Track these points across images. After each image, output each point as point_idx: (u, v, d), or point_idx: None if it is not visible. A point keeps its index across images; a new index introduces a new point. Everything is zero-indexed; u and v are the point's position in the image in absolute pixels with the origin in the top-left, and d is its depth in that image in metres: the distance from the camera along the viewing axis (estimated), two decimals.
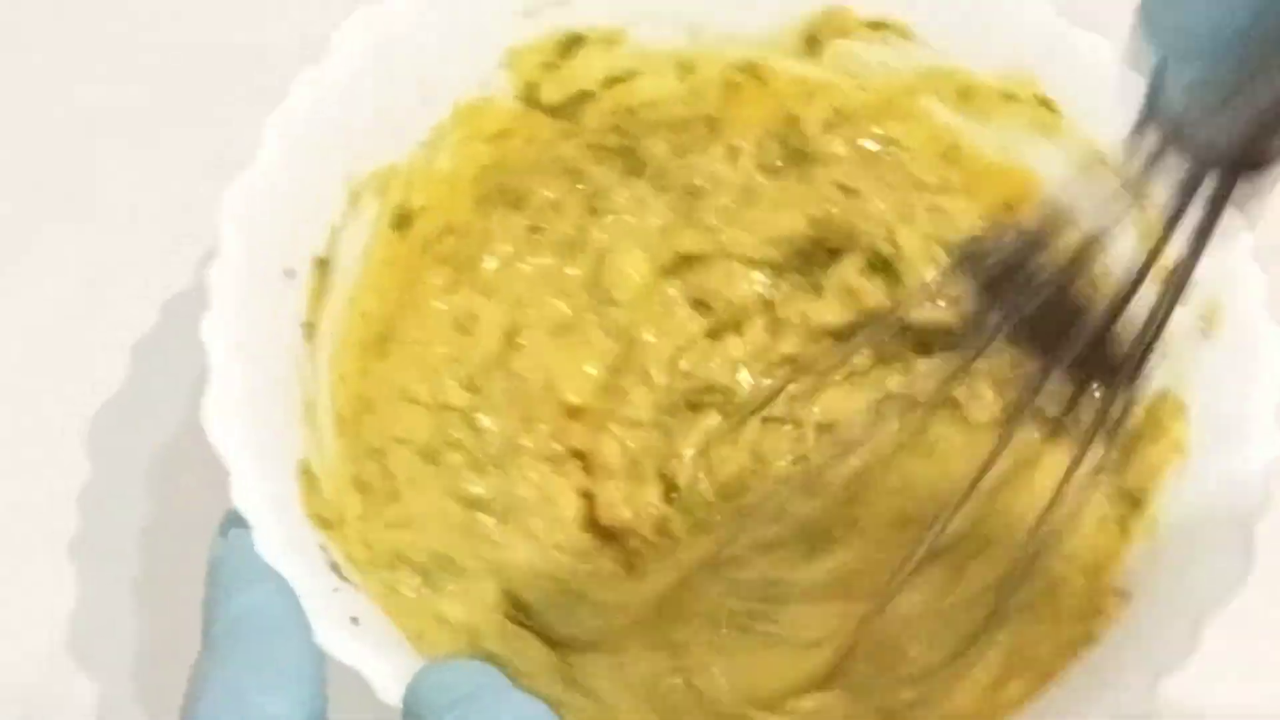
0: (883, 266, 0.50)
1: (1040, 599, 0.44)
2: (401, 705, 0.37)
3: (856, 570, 0.46)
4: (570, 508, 0.48)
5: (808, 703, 0.44)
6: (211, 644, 0.36)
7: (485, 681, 0.37)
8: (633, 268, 0.50)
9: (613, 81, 0.50)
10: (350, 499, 0.44)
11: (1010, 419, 0.44)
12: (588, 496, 0.48)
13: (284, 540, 0.38)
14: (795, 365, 0.49)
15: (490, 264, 0.50)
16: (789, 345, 0.50)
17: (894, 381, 0.49)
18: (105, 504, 0.50)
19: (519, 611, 0.45)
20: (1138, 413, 0.44)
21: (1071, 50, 0.47)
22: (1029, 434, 0.45)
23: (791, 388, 0.49)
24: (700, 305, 0.50)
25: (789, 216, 0.50)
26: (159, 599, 0.48)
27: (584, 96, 0.50)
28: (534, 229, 0.50)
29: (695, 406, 0.49)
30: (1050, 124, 0.48)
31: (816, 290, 0.50)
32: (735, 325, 0.50)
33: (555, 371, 0.49)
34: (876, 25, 0.49)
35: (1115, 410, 0.42)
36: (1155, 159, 0.35)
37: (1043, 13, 0.48)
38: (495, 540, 0.46)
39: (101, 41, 0.58)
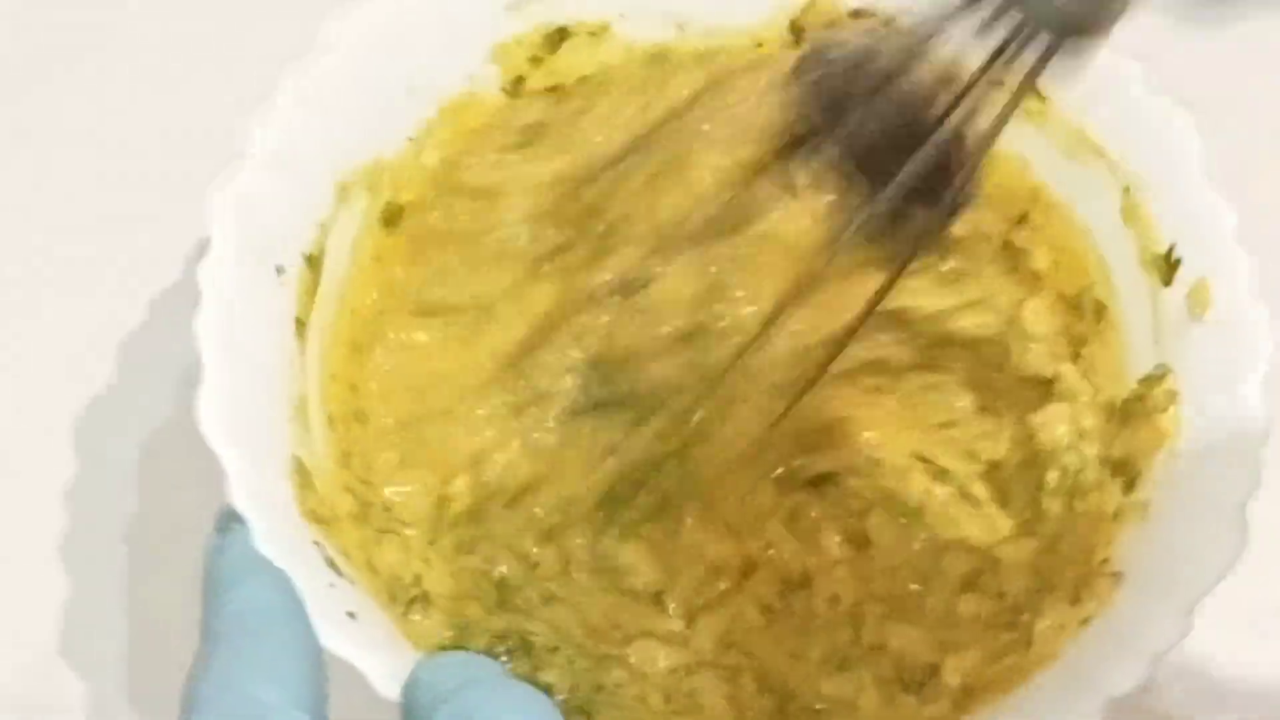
0: None
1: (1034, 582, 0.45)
2: (400, 699, 0.37)
3: None
4: None
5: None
6: (211, 637, 0.35)
7: (480, 673, 0.37)
8: None
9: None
10: (343, 495, 0.44)
11: (833, 240, 0.44)
12: None
13: (279, 537, 0.38)
14: None
15: None
16: None
17: None
18: (93, 501, 0.50)
19: None
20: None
21: None
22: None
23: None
24: None
25: None
26: (148, 596, 0.48)
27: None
28: None
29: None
30: (1037, 110, 0.48)
31: None
32: None
33: None
34: (861, 15, 0.49)
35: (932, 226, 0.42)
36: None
37: None
38: None
39: (88, 39, 0.58)
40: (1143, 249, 0.46)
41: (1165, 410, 0.44)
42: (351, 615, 0.39)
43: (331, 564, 0.40)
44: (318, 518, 0.41)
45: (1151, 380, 0.45)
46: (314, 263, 0.45)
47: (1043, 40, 0.36)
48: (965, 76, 0.41)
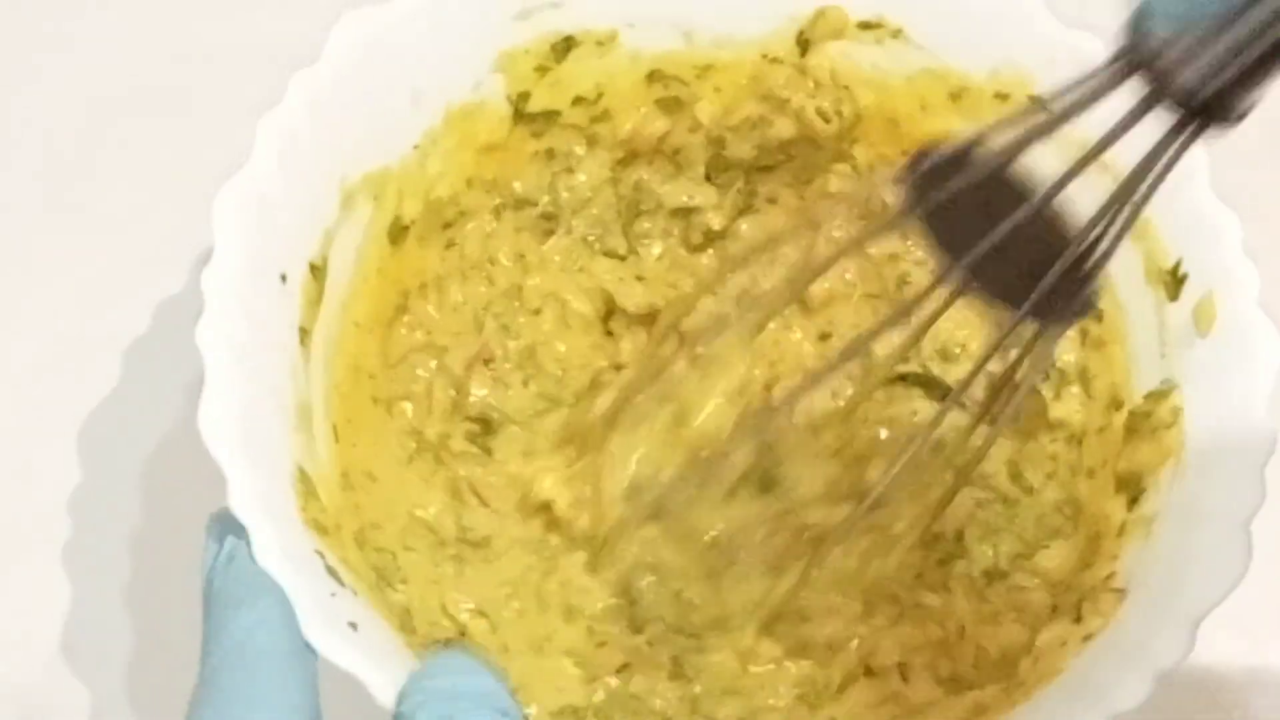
0: None
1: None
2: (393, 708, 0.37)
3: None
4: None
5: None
6: (210, 668, 0.36)
7: (472, 683, 0.37)
8: None
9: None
10: (347, 505, 0.44)
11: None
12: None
13: (281, 546, 0.38)
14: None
15: None
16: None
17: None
18: (97, 507, 0.50)
19: None
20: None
21: (1065, 50, 0.47)
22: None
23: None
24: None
25: None
26: (151, 602, 0.48)
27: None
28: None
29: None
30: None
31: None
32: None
33: None
34: (869, 26, 0.49)
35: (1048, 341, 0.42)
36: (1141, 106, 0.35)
37: (1036, 12, 0.48)
38: None
39: (95, 45, 0.58)
40: (1149, 263, 0.46)
41: (1170, 426, 0.44)
42: (353, 626, 0.38)
43: (333, 573, 0.40)
44: (320, 527, 0.41)
45: (1157, 395, 0.45)
46: (318, 271, 0.45)
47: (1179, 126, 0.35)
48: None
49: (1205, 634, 0.39)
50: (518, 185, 0.51)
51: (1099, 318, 0.48)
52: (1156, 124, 0.35)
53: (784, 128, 0.51)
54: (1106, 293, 0.47)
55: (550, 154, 0.51)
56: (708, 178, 0.52)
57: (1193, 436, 0.44)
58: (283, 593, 0.37)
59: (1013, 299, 0.38)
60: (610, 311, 0.51)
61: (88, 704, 0.47)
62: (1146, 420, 0.45)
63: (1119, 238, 0.39)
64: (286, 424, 0.42)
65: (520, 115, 0.49)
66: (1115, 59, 0.35)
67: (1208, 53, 0.33)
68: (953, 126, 0.49)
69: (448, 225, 0.50)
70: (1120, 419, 0.46)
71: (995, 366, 0.44)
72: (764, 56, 0.50)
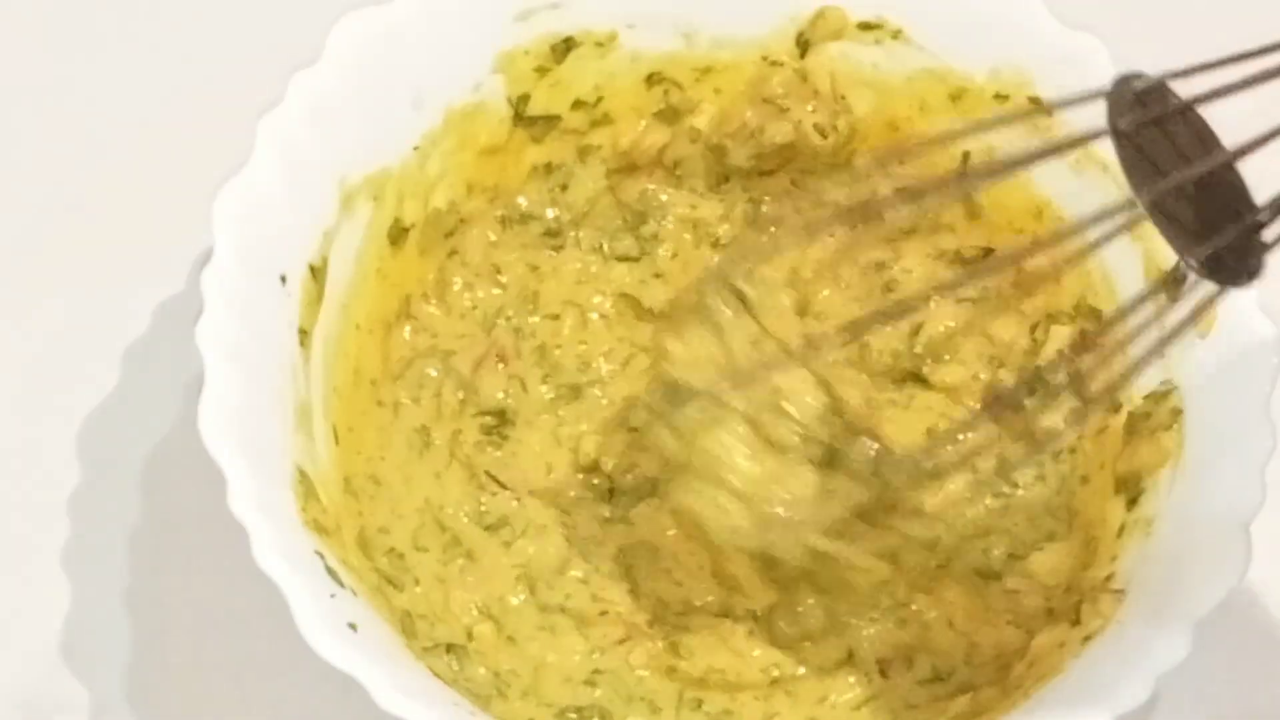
0: None
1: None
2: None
3: None
4: None
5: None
6: None
7: None
8: None
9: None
10: (349, 509, 0.44)
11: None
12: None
13: (281, 547, 0.38)
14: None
15: None
16: None
17: None
18: (97, 507, 0.50)
19: None
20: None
21: (1065, 50, 0.47)
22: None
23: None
24: None
25: None
26: (150, 603, 0.48)
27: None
28: None
29: None
30: (1043, 126, 0.48)
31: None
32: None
33: None
34: (869, 26, 0.49)
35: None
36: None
37: (1035, 13, 0.48)
38: None
39: (96, 46, 0.58)
40: (1149, 264, 0.46)
41: (1170, 427, 0.44)
42: (353, 627, 0.38)
43: (333, 574, 0.40)
44: (320, 528, 0.41)
45: (1156, 397, 0.45)
46: (318, 272, 0.45)
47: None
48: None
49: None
50: (522, 200, 0.51)
51: (1098, 319, 0.48)
52: None
53: (782, 133, 0.51)
54: (1106, 293, 0.47)
55: (549, 168, 0.51)
56: (710, 188, 0.52)
57: (1192, 437, 0.44)
58: None
59: (1187, 245, 0.38)
60: (637, 315, 0.51)
61: (88, 704, 0.47)
62: (1146, 421, 0.45)
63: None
64: (286, 425, 0.42)
65: (520, 118, 0.49)
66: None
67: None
68: (952, 127, 0.49)
69: (449, 234, 0.50)
70: (1119, 420, 0.46)
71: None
72: (764, 58, 0.50)
